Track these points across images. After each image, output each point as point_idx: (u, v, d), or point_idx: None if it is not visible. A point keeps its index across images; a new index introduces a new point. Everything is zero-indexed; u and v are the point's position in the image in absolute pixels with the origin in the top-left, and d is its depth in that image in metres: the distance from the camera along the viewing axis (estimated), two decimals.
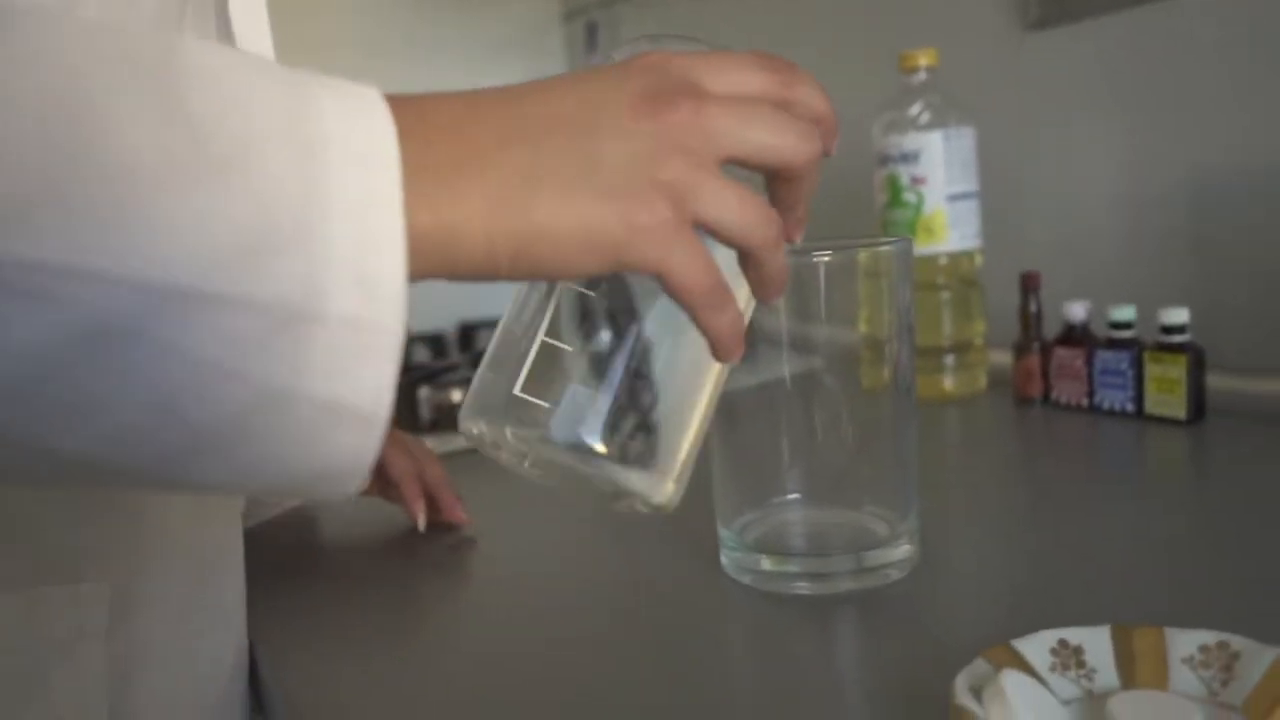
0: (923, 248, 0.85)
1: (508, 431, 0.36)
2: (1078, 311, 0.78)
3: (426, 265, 0.29)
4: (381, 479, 0.63)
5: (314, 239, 0.26)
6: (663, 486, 0.37)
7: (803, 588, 0.48)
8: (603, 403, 0.36)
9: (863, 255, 0.48)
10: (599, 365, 0.36)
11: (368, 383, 0.28)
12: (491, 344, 0.39)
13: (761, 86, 0.36)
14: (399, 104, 0.29)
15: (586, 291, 0.37)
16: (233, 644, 0.49)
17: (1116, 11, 0.84)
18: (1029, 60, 0.92)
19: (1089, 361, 0.76)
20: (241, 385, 0.27)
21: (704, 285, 0.33)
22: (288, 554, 0.63)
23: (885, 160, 0.86)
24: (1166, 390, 0.71)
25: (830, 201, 1.20)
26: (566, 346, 0.36)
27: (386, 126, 0.28)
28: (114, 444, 0.27)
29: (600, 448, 0.36)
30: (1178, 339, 0.70)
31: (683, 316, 0.34)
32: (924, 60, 0.85)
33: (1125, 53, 0.85)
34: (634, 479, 0.36)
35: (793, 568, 0.48)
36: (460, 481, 0.65)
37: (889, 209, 0.86)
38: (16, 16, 0.25)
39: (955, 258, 0.85)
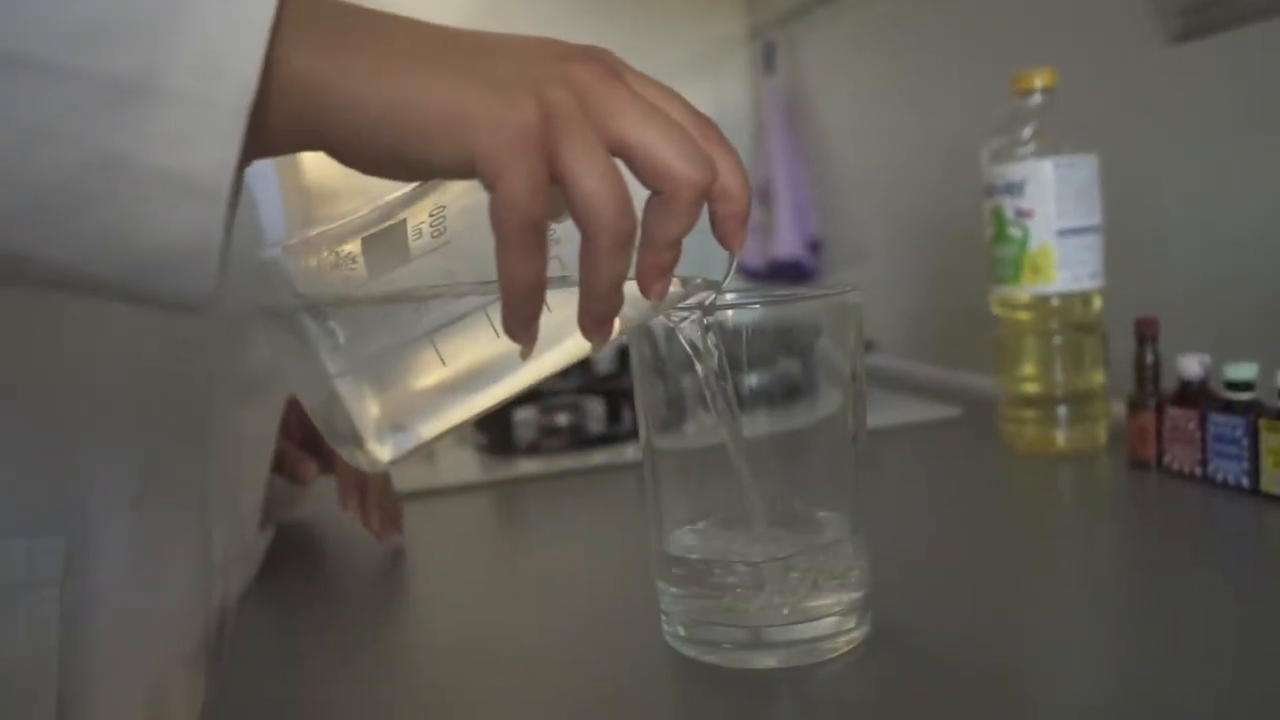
0: (1030, 287, 0.76)
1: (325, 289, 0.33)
2: (1192, 366, 0.67)
3: (292, 108, 0.31)
4: (326, 463, 0.68)
5: (165, 32, 0.29)
6: (367, 406, 0.33)
7: (738, 660, 0.44)
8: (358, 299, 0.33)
9: (801, 307, 0.44)
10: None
11: (205, 157, 0.29)
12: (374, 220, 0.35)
13: (683, 119, 0.34)
14: None
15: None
16: (189, 615, 0.54)
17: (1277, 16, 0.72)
18: (1166, 79, 0.81)
19: (1202, 425, 0.66)
20: (74, 148, 0.29)
21: (528, 211, 0.31)
22: (295, 553, 0.68)
23: (991, 191, 0.78)
24: None
25: (939, 240, 1.12)
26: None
27: None
28: None
29: (340, 335, 0.33)
30: None
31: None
32: (1039, 81, 0.77)
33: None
34: (348, 383, 0.33)
35: (726, 639, 0.45)
36: (458, 516, 0.65)
37: (994, 244, 0.78)
38: None
39: (1068, 299, 0.77)
